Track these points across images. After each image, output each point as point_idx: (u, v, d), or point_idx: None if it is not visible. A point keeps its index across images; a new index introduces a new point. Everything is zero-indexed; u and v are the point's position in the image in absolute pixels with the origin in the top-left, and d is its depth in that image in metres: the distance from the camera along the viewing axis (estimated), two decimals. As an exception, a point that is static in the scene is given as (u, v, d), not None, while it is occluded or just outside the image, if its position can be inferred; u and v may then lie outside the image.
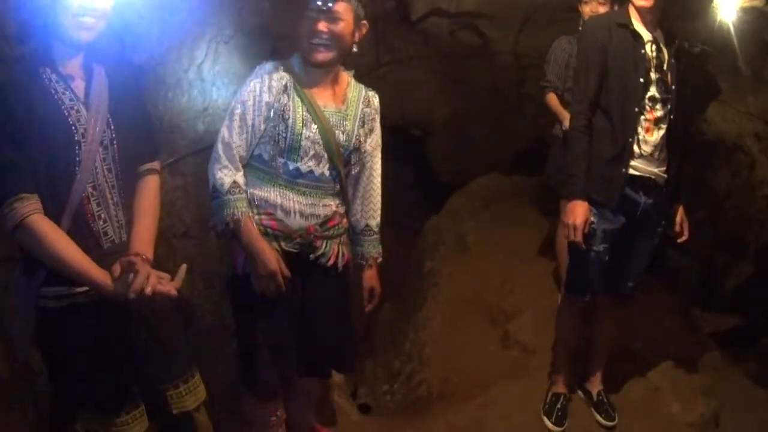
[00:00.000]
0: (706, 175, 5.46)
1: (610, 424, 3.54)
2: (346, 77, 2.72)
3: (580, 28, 4.07)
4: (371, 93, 2.80)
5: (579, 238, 3.10)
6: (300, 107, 2.54)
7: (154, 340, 2.37)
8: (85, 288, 2.13)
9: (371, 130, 2.80)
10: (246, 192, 2.56)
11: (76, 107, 2.13)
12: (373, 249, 2.91)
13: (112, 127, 2.19)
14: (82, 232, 2.16)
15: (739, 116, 5.28)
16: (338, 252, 2.77)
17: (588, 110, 3.16)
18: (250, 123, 2.51)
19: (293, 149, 2.55)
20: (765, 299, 5.09)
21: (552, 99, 4.24)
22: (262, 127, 2.53)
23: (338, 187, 2.72)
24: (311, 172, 2.60)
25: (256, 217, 2.57)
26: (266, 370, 2.70)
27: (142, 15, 2.93)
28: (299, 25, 2.50)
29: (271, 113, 2.51)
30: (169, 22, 3.12)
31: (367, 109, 2.76)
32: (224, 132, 2.52)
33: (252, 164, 2.60)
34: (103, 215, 2.20)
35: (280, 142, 2.53)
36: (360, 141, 2.73)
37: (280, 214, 2.58)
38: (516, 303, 4.52)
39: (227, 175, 2.51)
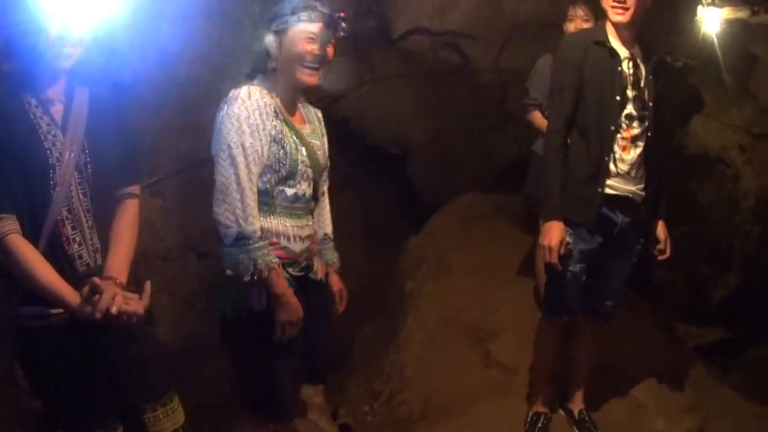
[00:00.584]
0: (691, 187, 5.51)
1: None
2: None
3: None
4: (316, 109, 2.79)
5: (555, 259, 3.09)
6: (289, 132, 2.51)
7: (132, 362, 2.35)
8: (61, 310, 2.12)
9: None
10: None
11: (53, 132, 2.13)
12: (333, 255, 2.91)
13: (87, 151, 2.18)
14: (56, 254, 2.15)
15: (723, 128, 5.34)
16: (320, 265, 2.78)
17: (563, 129, 3.14)
18: (258, 155, 2.40)
19: (291, 175, 2.52)
20: (751, 310, 5.13)
21: (537, 116, 4.25)
22: (265, 156, 2.44)
23: (313, 204, 2.73)
24: (304, 194, 2.60)
25: None
26: (288, 392, 2.69)
27: (127, 35, 2.90)
28: (288, 46, 2.45)
29: (271, 141, 2.44)
30: (152, 42, 3.10)
31: (321, 126, 2.77)
32: (230, 172, 2.35)
33: None
34: (78, 238, 2.20)
35: (280, 170, 2.48)
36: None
37: (284, 241, 2.54)
38: (497, 322, 4.50)
39: (252, 221, 2.38)
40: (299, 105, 2.67)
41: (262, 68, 2.52)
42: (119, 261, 2.27)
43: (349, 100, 6.06)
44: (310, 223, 2.71)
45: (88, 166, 2.19)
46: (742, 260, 5.34)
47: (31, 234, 2.09)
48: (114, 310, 2.03)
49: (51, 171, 2.11)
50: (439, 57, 6.08)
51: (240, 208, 2.36)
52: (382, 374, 4.50)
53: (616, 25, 3.07)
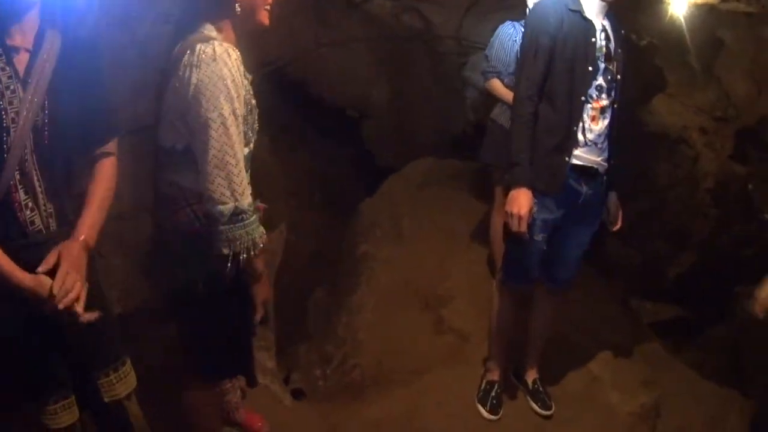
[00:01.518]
0: (649, 165, 5.58)
1: (547, 413, 3.57)
2: None
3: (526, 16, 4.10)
4: None
5: (523, 228, 3.07)
6: (250, 88, 2.38)
7: (83, 327, 2.23)
8: None
9: None
10: None
11: (11, 87, 1.98)
12: None
13: (46, 111, 2.04)
14: (7, 221, 2.04)
15: (685, 109, 5.42)
16: None
17: (535, 96, 3.10)
18: (241, 120, 2.24)
19: (250, 135, 2.40)
20: (706, 289, 5.25)
21: (496, 84, 4.24)
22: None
23: None
24: (250, 150, 2.46)
25: None
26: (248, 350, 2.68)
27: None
28: None
29: (244, 100, 2.28)
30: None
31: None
32: (224, 143, 2.17)
33: None
34: (30, 204, 2.07)
35: (247, 132, 2.35)
36: None
37: None
38: (450, 288, 4.54)
39: (247, 194, 2.25)
40: None
41: (223, 16, 2.31)
42: (90, 221, 2.16)
43: (306, 61, 5.98)
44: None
45: (45, 128, 2.04)
46: (699, 240, 5.45)
47: None
48: (61, 306, 2.01)
49: (4, 134, 1.97)
50: (400, 21, 6.03)
51: (236, 182, 2.20)
52: (334, 338, 4.50)
53: None
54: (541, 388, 3.64)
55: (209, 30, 2.27)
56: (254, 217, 2.27)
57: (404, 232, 5.15)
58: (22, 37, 2.01)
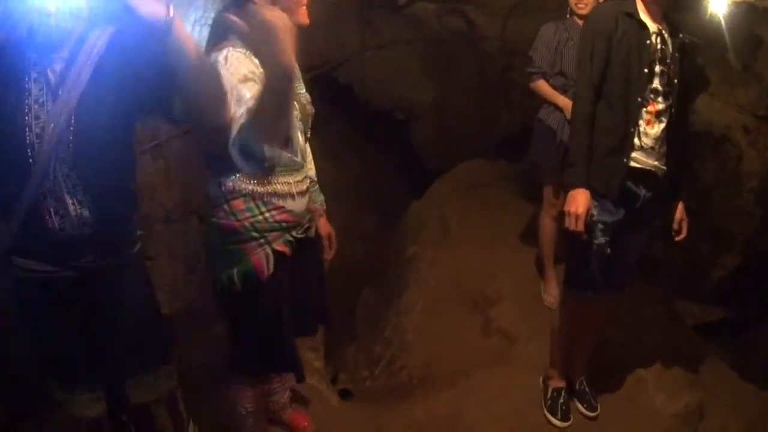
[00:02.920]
0: (694, 165, 5.48)
1: (593, 414, 3.53)
2: None
3: (567, 16, 4.06)
4: None
5: (581, 227, 3.02)
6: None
7: (120, 330, 2.29)
8: (49, 267, 2.10)
9: None
10: None
11: (41, 100, 1.96)
12: (320, 197, 2.87)
13: (72, 128, 1.99)
14: (34, 231, 2.04)
15: (727, 108, 5.31)
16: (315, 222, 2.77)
17: (593, 97, 3.07)
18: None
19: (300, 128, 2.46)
20: (750, 291, 5.14)
21: (542, 84, 4.21)
22: None
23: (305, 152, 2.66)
24: (298, 147, 2.50)
25: (267, 214, 2.42)
26: (295, 351, 2.70)
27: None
28: None
29: None
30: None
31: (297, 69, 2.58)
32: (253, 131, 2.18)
33: (250, 158, 2.33)
34: (60, 211, 2.04)
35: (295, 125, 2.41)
36: None
37: (289, 203, 2.46)
38: (498, 289, 4.52)
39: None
40: None
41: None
42: None
43: (352, 65, 6.04)
44: (308, 174, 2.66)
45: (70, 142, 2.00)
46: (743, 240, 5.34)
47: (3, 213, 2.02)
48: None
49: (29, 150, 1.96)
50: (444, 24, 6.05)
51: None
52: (382, 339, 4.53)
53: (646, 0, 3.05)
54: (587, 389, 3.59)
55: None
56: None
57: (452, 234, 5.16)
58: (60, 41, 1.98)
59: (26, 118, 1.95)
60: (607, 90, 3.07)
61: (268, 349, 2.62)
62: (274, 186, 2.43)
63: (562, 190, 3.60)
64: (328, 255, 2.94)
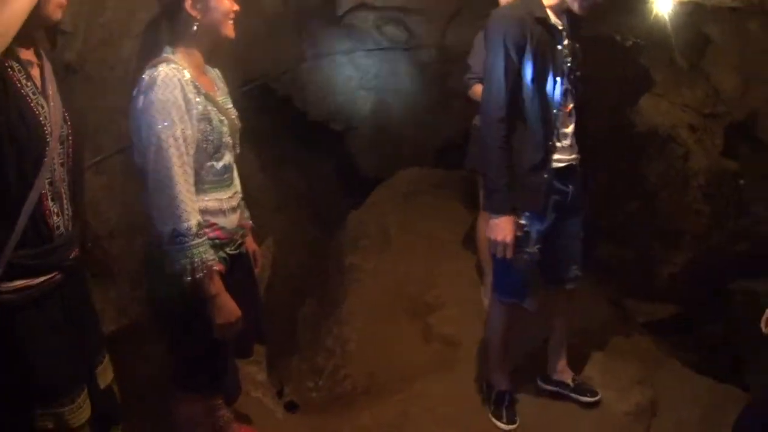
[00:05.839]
0: (640, 165, 5.60)
1: (594, 399, 3.53)
2: None
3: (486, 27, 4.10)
4: (213, 68, 2.65)
5: (509, 255, 2.99)
6: (212, 106, 2.42)
7: (96, 323, 2.40)
8: (48, 276, 2.08)
9: None
10: None
11: (39, 101, 2.01)
12: (246, 212, 2.81)
13: (68, 122, 2.11)
14: (39, 228, 2.06)
15: (674, 108, 5.45)
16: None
17: (506, 119, 2.92)
18: (191, 139, 2.30)
19: (218, 148, 2.44)
20: (700, 287, 5.26)
21: (479, 89, 4.24)
22: (195, 137, 2.33)
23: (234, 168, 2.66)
24: (229, 163, 2.53)
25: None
26: (231, 371, 2.73)
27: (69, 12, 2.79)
28: (214, 3, 2.37)
29: (198, 120, 2.34)
30: (94, 20, 3.01)
31: (224, 84, 2.65)
32: (162, 167, 2.23)
33: None
34: (56, 209, 2.10)
35: (207, 147, 2.39)
36: None
37: (221, 220, 2.47)
38: (438, 296, 4.56)
39: (188, 217, 2.25)
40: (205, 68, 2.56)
41: (181, 35, 2.38)
42: None
43: (291, 77, 6.02)
44: (237, 189, 2.65)
45: (69, 138, 2.12)
46: (692, 238, 5.47)
47: (11, 211, 1.98)
48: None
49: (46, 147, 2.00)
50: (383, 33, 6.07)
51: (174, 205, 2.23)
52: (324, 350, 4.52)
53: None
54: (581, 381, 3.59)
55: (167, 52, 2.37)
56: (196, 240, 2.27)
57: (391, 242, 5.19)
58: (29, 52, 2.05)
59: (40, 117, 2.00)
60: (523, 107, 2.97)
61: (208, 365, 2.63)
62: (205, 203, 2.43)
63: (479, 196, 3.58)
64: (257, 270, 2.91)
